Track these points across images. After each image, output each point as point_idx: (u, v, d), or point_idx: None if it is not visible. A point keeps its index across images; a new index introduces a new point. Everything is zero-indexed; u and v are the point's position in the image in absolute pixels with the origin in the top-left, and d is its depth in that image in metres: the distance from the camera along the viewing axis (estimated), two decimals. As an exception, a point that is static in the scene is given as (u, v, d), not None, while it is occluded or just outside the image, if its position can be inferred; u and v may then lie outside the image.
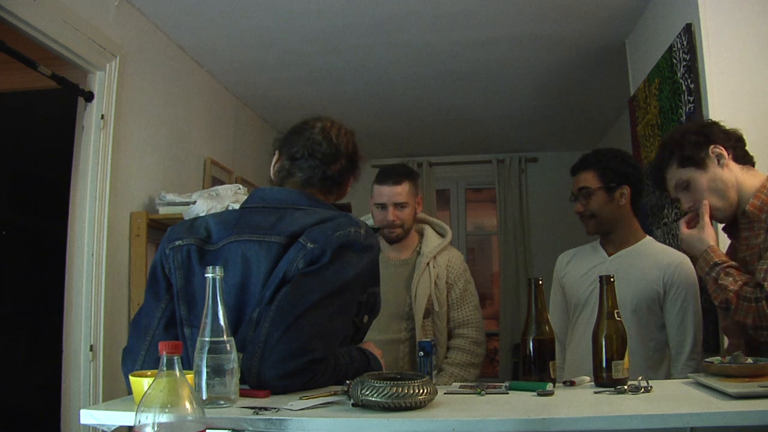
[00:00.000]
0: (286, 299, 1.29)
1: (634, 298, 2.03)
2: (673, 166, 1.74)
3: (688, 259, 2.08)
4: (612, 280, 1.46)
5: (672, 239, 2.72)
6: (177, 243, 1.42)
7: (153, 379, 0.95)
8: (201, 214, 2.81)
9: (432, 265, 2.42)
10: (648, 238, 2.17)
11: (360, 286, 1.41)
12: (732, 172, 1.68)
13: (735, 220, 1.71)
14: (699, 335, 2.00)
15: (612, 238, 2.16)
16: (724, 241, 1.82)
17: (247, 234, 1.40)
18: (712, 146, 1.68)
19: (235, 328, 1.32)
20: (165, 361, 0.94)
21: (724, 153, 1.68)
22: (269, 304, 1.30)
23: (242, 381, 1.22)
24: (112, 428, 1.10)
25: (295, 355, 1.24)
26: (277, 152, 1.59)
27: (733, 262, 1.61)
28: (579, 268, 2.18)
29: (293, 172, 1.53)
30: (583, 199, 2.14)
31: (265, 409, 1.08)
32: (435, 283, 2.40)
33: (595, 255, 2.19)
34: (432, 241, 2.47)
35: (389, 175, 2.43)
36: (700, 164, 1.69)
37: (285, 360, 1.24)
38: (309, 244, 1.34)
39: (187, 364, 1.15)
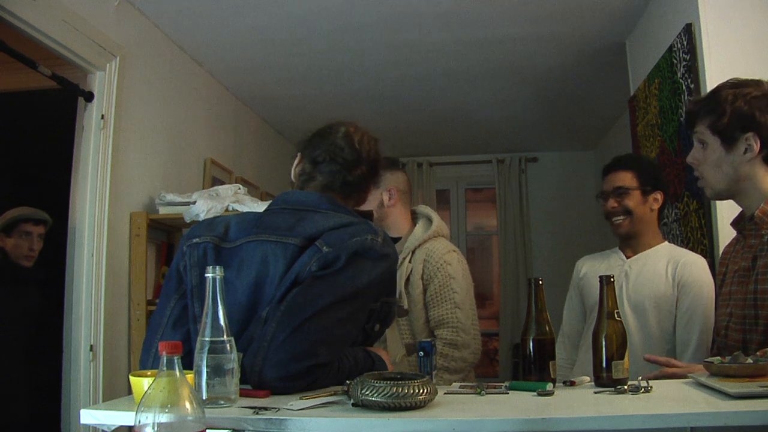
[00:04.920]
0: (296, 301, 1.29)
1: (652, 299, 2.04)
2: (705, 121, 1.58)
3: (703, 260, 2.09)
4: (612, 280, 1.46)
5: (672, 239, 2.72)
6: (195, 240, 1.44)
7: (153, 379, 0.95)
8: (201, 214, 2.83)
9: (409, 260, 2.27)
10: (666, 243, 2.19)
11: (373, 294, 1.40)
12: (752, 168, 1.55)
13: (743, 221, 1.64)
14: (706, 337, 1.96)
15: (633, 243, 2.16)
16: (729, 234, 1.78)
17: (266, 234, 1.40)
18: (750, 133, 1.53)
19: (245, 326, 1.32)
20: (165, 361, 0.94)
21: (755, 147, 1.53)
22: (278, 304, 1.30)
23: (243, 379, 1.22)
24: (112, 428, 1.10)
25: (298, 358, 1.24)
26: (299, 154, 1.59)
27: None
28: (597, 270, 2.16)
29: (314, 176, 1.53)
30: (619, 198, 2.12)
31: (265, 408, 1.08)
32: (408, 280, 2.25)
33: (613, 258, 2.20)
34: (415, 234, 2.32)
35: None
36: (728, 142, 1.55)
37: (288, 362, 1.24)
38: (324, 247, 1.34)
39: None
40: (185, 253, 1.43)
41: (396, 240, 1.53)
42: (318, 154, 1.53)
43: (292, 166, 1.60)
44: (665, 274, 2.06)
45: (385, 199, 2.29)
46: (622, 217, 2.13)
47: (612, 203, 2.13)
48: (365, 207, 1.63)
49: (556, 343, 2.27)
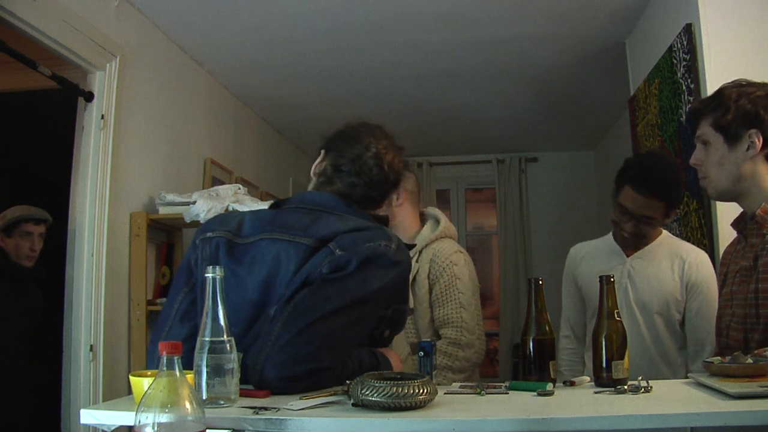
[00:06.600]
0: (303, 303, 1.29)
1: (661, 300, 2.03)
2: (709, 119, 1.58)
3: (707, 256, 2.09)
4: (612, 280, 1.46)
5: (672, 239, 2.71)
6: (208, 234, 1.43)
7: (153, 379, 0.95)
8: (201, 214, 2.83)
9: (416, 260, 2.27)
10: (664, 233, 2.15)
11: (383, 301, 1.38)
12: (754, 166, 1.55)
13: (744, 221, 1.63)
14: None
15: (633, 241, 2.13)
16: (729, 234, 1.78)
17: (279, 233, 1.39)
18: (754, 130, 1.52)
19: (253, 323, 1.32)
20: (165, 361, 0.94)
21: (758, 144, 1.52)
22: (286, 304, 1.30)
23: (245, 378, 1.22)
24: (112, 428, 1.10)
25: (300, 360, 1.24)
26: (323, 152, 1.56)
27: None
28: (596, 268, 2.09)
29: (334, 181, 1.51)
30: (642, 225, 2.04)
31: (265, 408, 1.08)
32: (414, 279, 2.25)
33: (612, 255, 2.15)
34: (423, 235, 2.33)
35: None
36: (731, 140, 1.55)
37: (289, 363, 1.23)
38: (337, 250, 1.33)
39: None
40: (197, 247, 1.43)
41: (410, 247, 1.52)
42: (342, 162, 1.50)
43: (314, 162, 1.56)
44: (672, 274, 2.05)
45: (393, 200, 2.28)
46: (634, 239, 2.08)
47: (630, 227, 2.05)
48: (380, 211, 1.61)
49: (562, 336, 2.28)
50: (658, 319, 2.03)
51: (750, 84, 1.58)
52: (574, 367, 2.20)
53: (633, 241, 2.10)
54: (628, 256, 2.12)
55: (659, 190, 1.99)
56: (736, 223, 1.66)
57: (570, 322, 2.27)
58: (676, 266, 2.05)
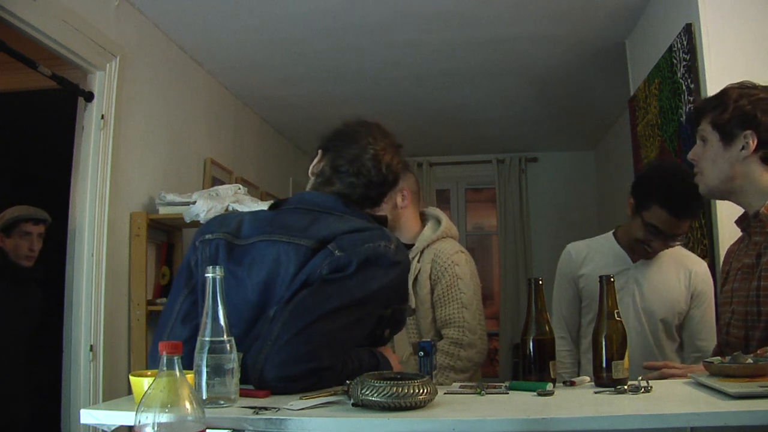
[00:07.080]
0: (303, 303, 1.29)
1: (665, 307, 2.06)
2: (709, 116, 1.60)
3: (706, 265, 2.14)
4: (612, 280, 1.46)
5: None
6: (207, 236, 1.43)
7: (153, 379, 0.95)
8: (201, 214, 2.83)
9: (417, 260, 2.27)
10: None
11: (383, 302, 1.39)
12: (747, 167, 1.55)
13: (747, 219, 1.63)
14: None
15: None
16: (734, 233, 1.77)
17: (278, 234, 1.39)
18: (749, 131, 1.53)
19: (254, 324, 1.32)
20: (165, 361, 0.94)
21: (751, 146, 1.53)
22: (286, 304, 1.30)
23: (245, 377, 1.22)
24: (112, 428, 1.10)
25: (299, 360, 1.24)
26: (320, 152, 1.55)
27: None
28: (602, 271, 2.00)
29: (333, 182, 1.50)
30: (670, 242, 2.04)
31: (265, 408, 1.08)
32: (416, 279, 2.25)
33: (617, 259, 2.14)
34: (424, 235, 2.32)
35: None
36: (726, 138, 1.56)
37: (289, 363, 1.24)
38: (337, 251, 1.33)
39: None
40: (197, 249, 1.43)
41: (409, 247, 1.51)
42: (341, 163, 1.50)
43: (312, 162, 1.56)
44: (679, 283, 2.08)
45: (398, 201, 2.29)
46: (656, 252, 2.09)
47: (659, 245, 2.04)
48: (380, 211, 1.61)
49: (557, 338, 2.28)
50: (660, 325, 2.07)
51: (755, 86, 1.58)
52: (574, 369, 2.20)
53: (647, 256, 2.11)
54: (633, 262, 2.13)
55: (695, 212, 2.03)
56: (740, 221, 1.67)
57: (566, 323, 2.26)
58: (682, 275, 2.08)
